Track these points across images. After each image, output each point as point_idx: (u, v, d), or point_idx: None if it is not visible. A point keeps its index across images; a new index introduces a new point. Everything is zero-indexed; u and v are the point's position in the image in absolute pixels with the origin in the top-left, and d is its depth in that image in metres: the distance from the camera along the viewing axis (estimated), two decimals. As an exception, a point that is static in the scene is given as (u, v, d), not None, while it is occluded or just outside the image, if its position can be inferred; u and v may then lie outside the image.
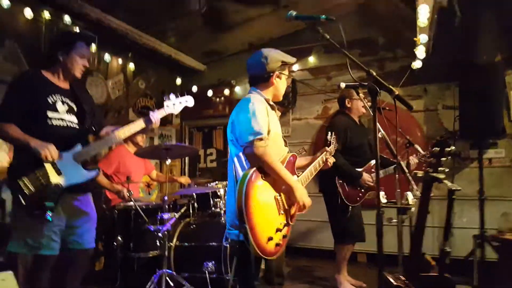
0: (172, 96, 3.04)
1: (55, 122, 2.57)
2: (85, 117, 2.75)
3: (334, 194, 3.92)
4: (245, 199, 2.11)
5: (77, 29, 4.61)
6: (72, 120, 2.68)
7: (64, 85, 2.73)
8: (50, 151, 2.39)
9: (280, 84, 2.58)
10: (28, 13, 4.13)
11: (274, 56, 2.51)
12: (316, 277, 4.67)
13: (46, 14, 4.33)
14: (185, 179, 5.09)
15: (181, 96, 3.11)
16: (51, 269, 2.53)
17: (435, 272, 2.31)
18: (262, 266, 2.31)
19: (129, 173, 4.27)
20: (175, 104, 3.03)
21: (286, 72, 2.59)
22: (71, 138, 2.60)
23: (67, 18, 4.45)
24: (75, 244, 2.63)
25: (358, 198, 3.97)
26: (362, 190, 3.98)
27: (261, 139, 2.25)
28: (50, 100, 2.58)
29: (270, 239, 2.19)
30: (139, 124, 2.79)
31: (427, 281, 2.26)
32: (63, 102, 2.65)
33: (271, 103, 2.56)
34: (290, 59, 2.59)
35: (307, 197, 2.43)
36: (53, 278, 2.56)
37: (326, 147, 2.85)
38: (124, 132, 2.73)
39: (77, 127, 2.70)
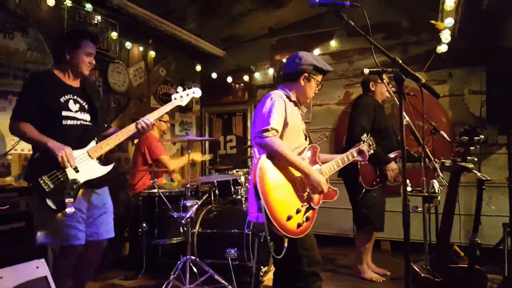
0: (179, 88, 3.08)
1: (68, 122, 2.64)
2: (97, 114, 2.83)
3: (353, 176, 3.85)
4: (260, 176, 2.17)
5: (98, 17, 4.67)
6: (85, 118, 2.75)
7: (75, 83, 2.80)
8: (68, 157, 2.46)
9: (307, 87, 2.58)
10: (50, 0, 4.09)
11: (308, 59, 2.55)
12: (338, 265, 4.65)
13: (68, 1, 4.32)
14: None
15: (187, 87, 3.11)
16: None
17: (464, 263, 2.27)
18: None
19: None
20: (182, 97, 3.06)
21: (318, 77, 2.58)
22: (85, 136, 2.67)
23: (88, 5, 4.47)
24: (93, 235, 2.71)
25: (374, 183, 3.89)
26: (379, 178, 3.92)
27: (267, 130, 2.28)
28: (62, 99, 2.65)
29: (290, 217, 2.22)
30: (131, 129, 2.76)
31: (458, 272, 2.23)
32: (75, 101, 2.72)
33: (294, 99, 2.57)
34: (325, 66, 2.58)
35: (324, 182, 2.40)
36: None
37: (361, 143, 2.80)
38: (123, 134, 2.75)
39: (90, 124, 2.77)
